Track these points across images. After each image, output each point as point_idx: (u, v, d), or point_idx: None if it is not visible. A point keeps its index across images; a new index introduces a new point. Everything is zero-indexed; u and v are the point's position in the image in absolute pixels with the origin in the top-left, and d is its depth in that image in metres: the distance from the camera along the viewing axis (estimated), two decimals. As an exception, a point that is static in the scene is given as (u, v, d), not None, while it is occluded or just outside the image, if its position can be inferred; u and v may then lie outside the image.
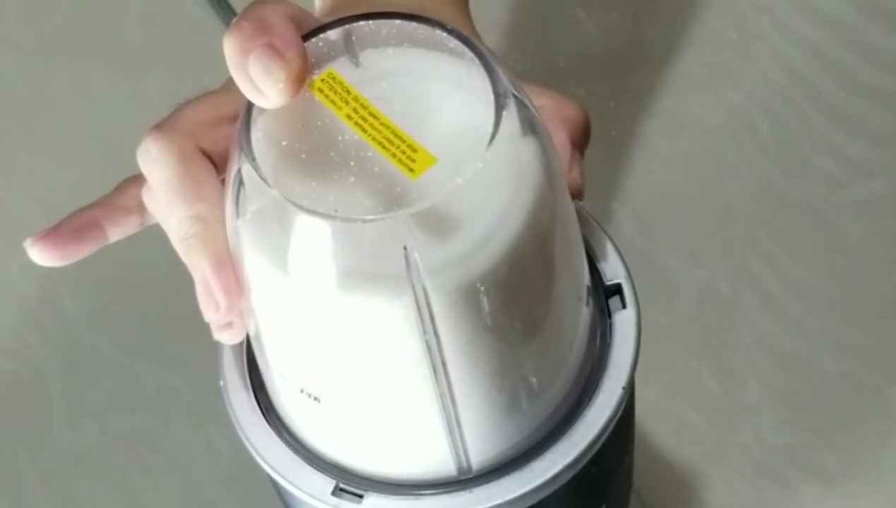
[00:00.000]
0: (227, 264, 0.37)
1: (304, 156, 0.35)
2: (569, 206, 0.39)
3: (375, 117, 0.35)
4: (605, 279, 0.43)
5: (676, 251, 0.72)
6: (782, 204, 0.74)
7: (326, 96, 0.35)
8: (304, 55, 0.34)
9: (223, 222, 0.37)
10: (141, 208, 0.42)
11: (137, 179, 0.42)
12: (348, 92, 0.35)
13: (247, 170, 0.35)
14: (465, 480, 0.40)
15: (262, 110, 0.35)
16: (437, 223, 0.34)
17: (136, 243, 0.75)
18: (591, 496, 0.45)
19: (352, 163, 0.35)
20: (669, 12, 0.80)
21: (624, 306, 0.42)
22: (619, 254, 0.43)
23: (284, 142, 0.35)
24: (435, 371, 0.36)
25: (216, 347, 0.43)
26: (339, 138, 0.35)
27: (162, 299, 0.72)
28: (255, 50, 0.34)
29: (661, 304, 0.71)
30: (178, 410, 0.69)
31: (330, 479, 0.40)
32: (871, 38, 0.78)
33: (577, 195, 0.42)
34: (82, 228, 0.43)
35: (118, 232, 0.44)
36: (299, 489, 0.40)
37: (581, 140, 0.43)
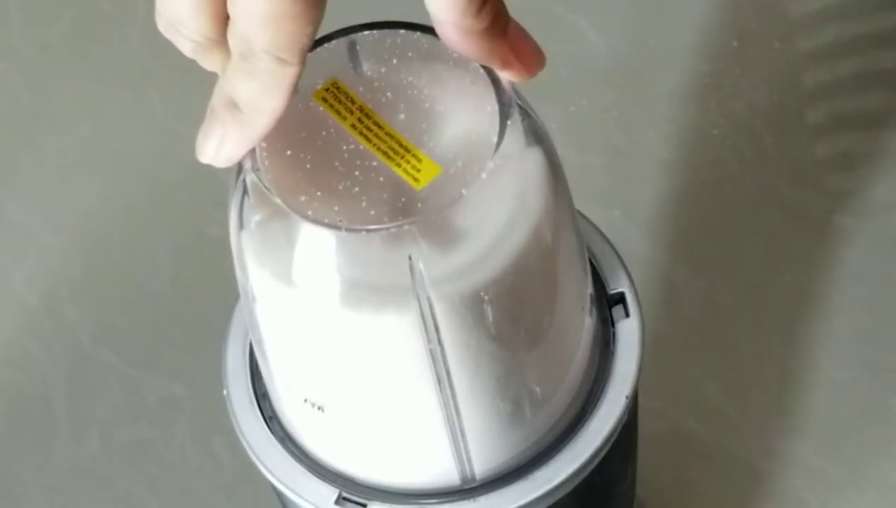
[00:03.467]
0: None
1: (308, 165, 0.35)
2: (572, 216, 0.39)
3: (380, 127, 0.35)
4: (608, 288, 0.43)
5: (679, 260, 0.72)
6: (784, 213, 0.74)
7: (331, 106, 0.35)
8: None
9: None
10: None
11: None
12: (353, 101, 0.35)
13: (251, 179, 0.35)
14: (468, 489, 0.40)
15: None
16: (441, 233, 0.34)
17: (139, 253, 0.75)
18: (595, 506, 0.45)
19: (356, 173, 0.35)
20: (671, 21, 0.80)
21: (627, 315, 0.42)
22: (622, 262, 0.43)
23: (289, 152, 0.35)
24: (439, 380, 0.36)
25: (220, 357, 0.43)
26: (344, 148, 0.35)
27: (165, 309, 0.72)
28: None
29: (664, 313, 0.71)
30: (181, 421, 0.69)
31: (333, 488, 0.40)
32: (874, 46, 0.79)
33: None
34: None
35: None
36: (302, 497, 0.40)
37: None
